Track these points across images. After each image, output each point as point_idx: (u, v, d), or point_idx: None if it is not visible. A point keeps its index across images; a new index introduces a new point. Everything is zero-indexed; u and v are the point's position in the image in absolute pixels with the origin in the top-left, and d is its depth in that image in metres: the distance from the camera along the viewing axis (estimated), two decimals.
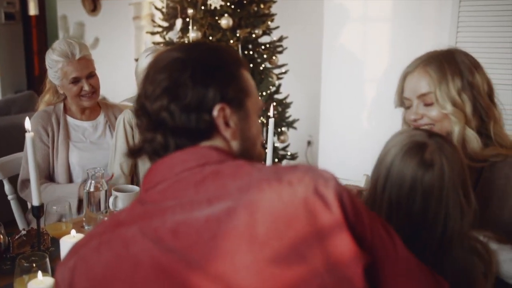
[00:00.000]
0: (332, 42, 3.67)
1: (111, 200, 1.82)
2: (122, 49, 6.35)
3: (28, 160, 1.36)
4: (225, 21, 3.58)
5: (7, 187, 2.23)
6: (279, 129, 3.93)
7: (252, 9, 3.76)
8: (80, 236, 1.41)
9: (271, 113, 2.00)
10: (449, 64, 1.40)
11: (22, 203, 2.27)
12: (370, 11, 3.53)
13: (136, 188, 1.95)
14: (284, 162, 4.06)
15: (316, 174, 0.81)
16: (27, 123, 1.37)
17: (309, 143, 5.27)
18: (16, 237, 1.52)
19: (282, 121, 3.93)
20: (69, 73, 2.14)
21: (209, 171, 0.86)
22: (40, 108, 2.27)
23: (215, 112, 0.92)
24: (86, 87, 2.16)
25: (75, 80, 2.15)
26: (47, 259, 1.29)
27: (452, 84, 1.37)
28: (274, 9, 3.92)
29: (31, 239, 1.56)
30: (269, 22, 3.84)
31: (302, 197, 0.78)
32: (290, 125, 3.94)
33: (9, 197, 2.24)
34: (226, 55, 0.97)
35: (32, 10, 6.89)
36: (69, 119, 2.26)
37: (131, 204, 0.91)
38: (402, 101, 1.52)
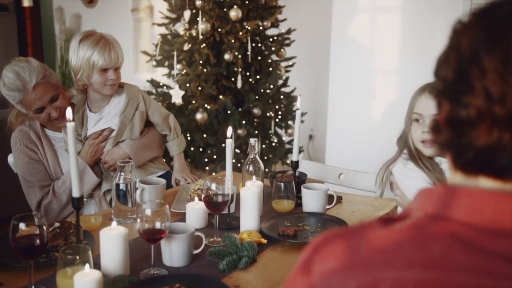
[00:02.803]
0: (341, 33, 3.65)
1: (137, 192, 1.79)
2: (120, 42, 6.26)
3: (69, 149, 1.32)
4: (234, 13, 3.55)
5: None
6: (283, 123, 3.91)
7: (261, 1, 3.73)
8: (120, 228, 1.37)
9: (298, 105, 1.98)
10: None
11: None
12: (380, 1, 3.52)
13: (162, 180, 1.92)
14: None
15: None
16: (69, 113, 1.33)
17: (310, 137, 5.26)
18: (50, 229, 1.49)
19: (289, 115, 3.91)
20: (30, 105, 1.96)
21: None
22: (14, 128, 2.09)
23: None
24: (54, 113, 1.99)
25: (40, 110, 1.98)
26: (90, 252, 1.26)
27: None
28: (282, 1, 3.90)
29: (65, 231, 1.52)
30: (277, 16, 3.81)
31: None
32: None
33: None
34: None
35: (26, 1, 6.76)
36: (49, 132, 2.12)
37: (448, 244, 0.61)
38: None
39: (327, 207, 1.86)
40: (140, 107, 2.12)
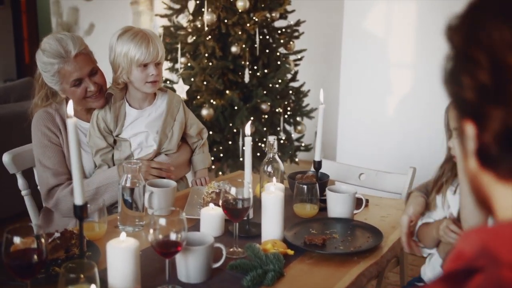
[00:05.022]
0: (353, 25, 3.47)
1: (146, 196, 1.62)
2: None
3: (70, 149, 1.15)
4: (241, 3, 3.37)
5: (20, 182, 2.00)
6: (292, 119, 3.73)
7: None
8: (130, 240, 1.20)
9: (321, 99, 1.81)
10: None
11: (36, 199, 2.05)
12: None
13: (173, 183, 1.75)
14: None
15: None
16: (70, 108, 1.15)
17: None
18: (49, 240, 1.31)
19: (298, 111, 3.74)
20: (68, 75, 1.83)
21: None
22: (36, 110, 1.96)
23: None
24: (92, 87, 1.86)
25: (77, 82, 1.85)
26: (96, 269, 1.09)
27: None
28: None
29: (66, 242, 1.35)
30: (286, 7, 3.63)
31: None
32: (306, 114, 3.75)
33: (23, 193, 2.02)
34: None
35: None
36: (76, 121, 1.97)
37: None
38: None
39: (355, 211, 1.69)
40: (180, 116, 1.99)
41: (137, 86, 1.88)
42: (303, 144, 3.83)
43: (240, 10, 3.39)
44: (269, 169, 1.78)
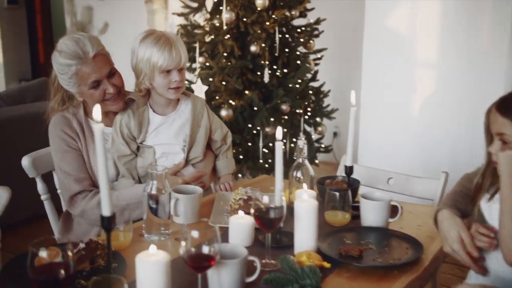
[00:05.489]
0: (374, 23, 3.37)
1: (171, 203, 1.55)
2: (133, 35, 6.01)
3: (97, 159, 1.08)
4: (260, 1, 3.29)
5: (40, 186, 1.95)
6: (312, 120, 3.65)
7: None
8: (160, 253, 1.13)
9: (353, 100, 1.73)
10: None
11: (56, 203, 1.99)
12: None
13: (198, 189, 1.68)
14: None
15: None
16: (97, 112, 1.08)
17: (335, 134, 5.00)
18: (74, 251, 1.25)
19: (318, 111, 3.65)
20: (87, 77, 1.76)
21: None
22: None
23: None
24: (110, 89, 1.79)
25: (96, 84, 1.78)
26: (126, 285, 1.02)
27: None
28: None
29: (91, 253, 1.28)
30: (306, 5, 3.55)
31: None
32: (326, 115, 3.67)
33: (43, 197, 1.97)
34: None
35: None
36: (94, 124, 1.84)
37: None
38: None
39: (390, 220, 1.61)
40: (204, 121, 1.94)
41: (160, 92, 1.82)
42: (322, 145, 3.75)
43: (259, 8, 3.32)
44: (298, 174, 1.70)
